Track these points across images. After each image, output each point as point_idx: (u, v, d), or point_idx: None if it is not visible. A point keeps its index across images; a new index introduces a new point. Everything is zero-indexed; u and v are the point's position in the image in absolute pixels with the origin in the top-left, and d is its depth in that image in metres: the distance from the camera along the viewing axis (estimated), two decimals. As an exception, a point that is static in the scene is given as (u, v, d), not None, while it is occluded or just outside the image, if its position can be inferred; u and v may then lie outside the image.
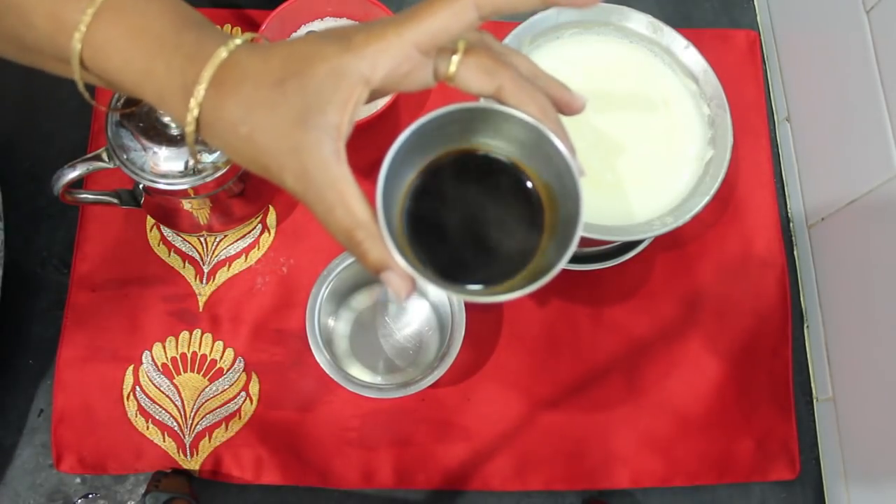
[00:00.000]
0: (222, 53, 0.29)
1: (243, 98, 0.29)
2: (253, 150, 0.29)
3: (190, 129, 0.30)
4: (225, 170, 0.55)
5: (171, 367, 0.64)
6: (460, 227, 0.33)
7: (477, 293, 0.32)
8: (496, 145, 0.33)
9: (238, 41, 0.30)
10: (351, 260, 0.59)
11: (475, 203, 0.33)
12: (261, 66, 0.29)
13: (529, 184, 0.33)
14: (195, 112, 0.29)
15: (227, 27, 0.73)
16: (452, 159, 0.32)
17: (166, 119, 0.53)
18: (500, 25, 0.75)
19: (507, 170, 0.33)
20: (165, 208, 0.62)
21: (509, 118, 0.30)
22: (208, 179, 0.55)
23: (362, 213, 0.29)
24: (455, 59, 0.30)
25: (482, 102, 0.30)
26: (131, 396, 0.63)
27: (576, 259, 0.63)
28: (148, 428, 0.63)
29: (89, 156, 0.55)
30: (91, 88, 0.34)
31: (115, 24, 0.31)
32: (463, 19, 0.29)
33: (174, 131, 0.54)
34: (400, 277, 0.29)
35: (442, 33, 0.29)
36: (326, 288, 0.59)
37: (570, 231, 0.30)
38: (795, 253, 0.72)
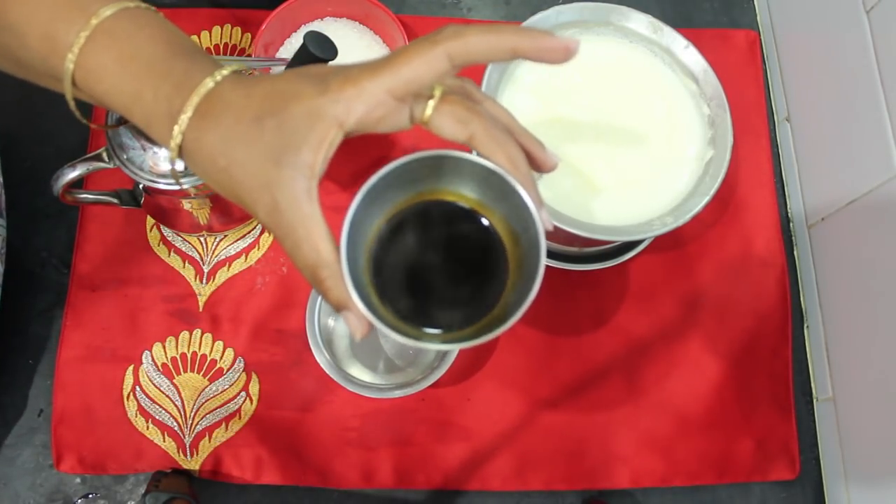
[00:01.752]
0: (208, 84, 0.30)
1: (223, 131, 0.30)
2: (229, 181, 0.30)
3: (173, 154, 0.31)
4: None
5: (171, 367, 0.64)
6: (425, 273, 0.34)
7: (432, 339, 0.33)
8: (465, 190, 0.33)
9: (225, 72, 0.31)
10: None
11: (441, 250, 0.34)
12: (242, 101, 0.30)
13: (495, 231, 0.34)
14: (178, 139, 0.30)
15: (227, 27, 0.73)
16: (421, 206, 0.33)
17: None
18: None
19: (473, 218, 0.34)
20: (165, 208, 0.62)
21: (477, 166, 0.31)
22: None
23: (327, 253, 0.30)
24: (430, 104, 0.31)
25: (452, 151, 0.31)
26: (131, 396, 0.63)
27: (576, 259, 0.63)
28: (148, 428, 0.63)
29: (89, 156, 0.55)
30: (83, 106, 0.35)
31: (107, 48, 0.32)
32: (436, 68, 0.30)
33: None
34: (357, 318, 0.30)
35: (415, 81, 0.30)
36: (326, 288, 0.58)
37: (530, 283, 0.30)
38: (795, 253, 0.72)
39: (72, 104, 0.34)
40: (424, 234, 0.34)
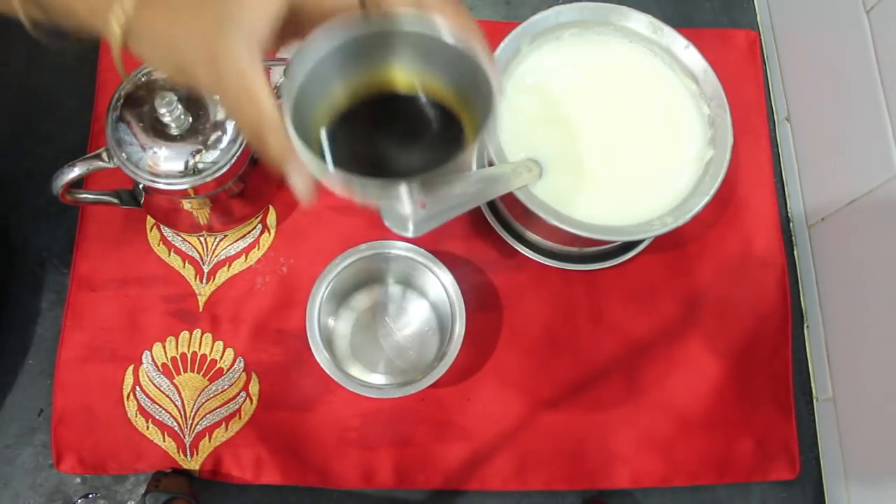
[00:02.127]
0: None
1: (168, 7, 0.31)
2: (172, 54, 0.31)
3: (116, 41, 0.31)
4: (225, 169, 0.55)
5: (171, 367, 0.64)
6: (381, 143, 0.34)
7: (381, 182, 0.31)
8: (415, 62, 0.33)
9: None
10: (351, 260, 0.59)
11: (393, 125, 0.35)
12: None
13: (445, 102, 0.34)
14: (121, 19, 0.31)
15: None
16: (368, 89, 0.34)
17: (166, 119, 0.53)
18: (499, 25, 0.75)
19: (423, 94, 0.34)
20: (165, 208, 0.62)
21: (424, 33, 0.31)
22: (208, 179, 0.55)
23: (269, 108, 0.30)
24: None
25: (398, 19, 0.31)
26: (131, 396, 0.63)
27: (576, 259, 0.63)
28: (148, 428, 0.63)
29: (89, 155, 0.55)
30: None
31: None
32: None
33: (174, 131, 0.54)
34: (302, 175, 0.30)
35: None
36: (326, 288, 0.59)
37: (485, 117, 0.31)
38: (795, 253, 0.72)
39: (26, 22, 0.34)
40: (378, 114, 0.34)
